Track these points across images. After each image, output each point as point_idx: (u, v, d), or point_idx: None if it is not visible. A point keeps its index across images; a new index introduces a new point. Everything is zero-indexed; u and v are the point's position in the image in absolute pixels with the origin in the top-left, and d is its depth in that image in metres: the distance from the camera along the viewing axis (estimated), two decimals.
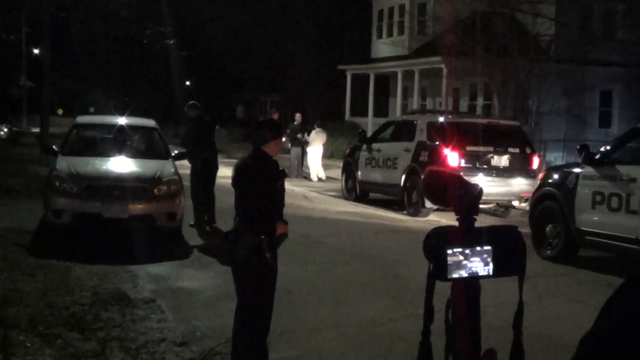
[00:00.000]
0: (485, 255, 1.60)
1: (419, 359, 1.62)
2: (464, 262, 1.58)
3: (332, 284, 10.88)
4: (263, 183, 6.43)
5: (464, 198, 1.70)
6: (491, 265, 1.60)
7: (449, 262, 1.57)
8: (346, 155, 23.27)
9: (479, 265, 1.59)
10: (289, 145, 27.30)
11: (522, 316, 1.65)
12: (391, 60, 38.77)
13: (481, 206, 18.71)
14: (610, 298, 1.22)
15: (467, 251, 1.58)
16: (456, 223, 1.71)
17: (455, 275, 1.58)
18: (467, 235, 1.62)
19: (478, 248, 1.59)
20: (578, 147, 13.25)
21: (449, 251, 1.57)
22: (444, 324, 1.68)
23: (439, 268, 1.57)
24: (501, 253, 1.61)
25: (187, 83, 59.84)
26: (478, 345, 1.58)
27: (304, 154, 27.60)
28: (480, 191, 1.77)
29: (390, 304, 9.67)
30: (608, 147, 12.86)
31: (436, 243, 1.57)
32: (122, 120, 15.91)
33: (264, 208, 6.36)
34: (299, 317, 8.87)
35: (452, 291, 1.62)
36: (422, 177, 1.61)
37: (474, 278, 1.60)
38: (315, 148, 27.41)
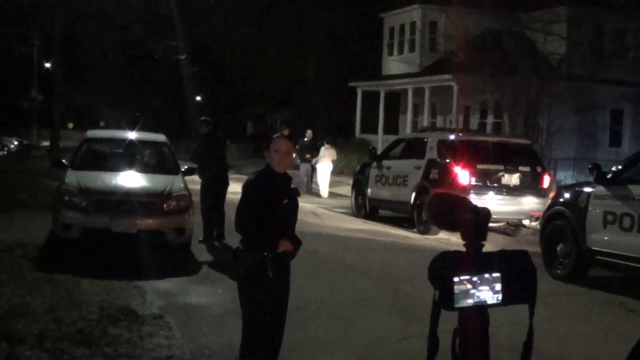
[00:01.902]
0: (494, 283, 1.52)
1: None
2: (472, 291, 1.49)
3: (341, 301, 10.82)
4: (266, 199, 6.37)
5: (472, 222, 1.61)
6: (500, 293, 1.52)
7: (455, 291, 1.49)
8: (356, 172, 23.23)
9: (487, 293, 1.51)
10: (299, 161, 27.30)
11: (531, 345, 1.58)
12: (402, 78, 38.80)
13: (491, 225, 18.64)
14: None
15: (475, 279, 1.50)
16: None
17: (462, 305, 1.50)
18: (475, 262, 1.53)
19: (486, 275, 1.51)
20: (589, 166, 13.17)
21: (456, 279, 1.49)
22: (450, 352, 1.60)
23: (445, 296, 1.49)
24: (511, 280, 1.53)
25: (198, 98, 59.97)
26: None
27: (313, 170, 27.59)
28: (489, 215, 1.69)
29: (400, 323, 9.60)
30: (620, 167, 12.78)
31: (442, 270, 1.50)
32: (132, 135, 15.91)
33: (267, 225, 6.30)
34: (307, 334, 8.81)
35: (459, 320, 1.53)
36: (427, 199, 1.50)
37: (482, 307, 1.51)
38: (325, 164, 27.38)
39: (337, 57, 47.78)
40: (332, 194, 27.52)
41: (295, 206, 6.65)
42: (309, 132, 28.26)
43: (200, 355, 7.93)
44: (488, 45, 29.74)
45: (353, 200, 22.58)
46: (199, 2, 46.44)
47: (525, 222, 18.50)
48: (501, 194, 17.88)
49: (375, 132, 40.77)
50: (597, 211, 12.53)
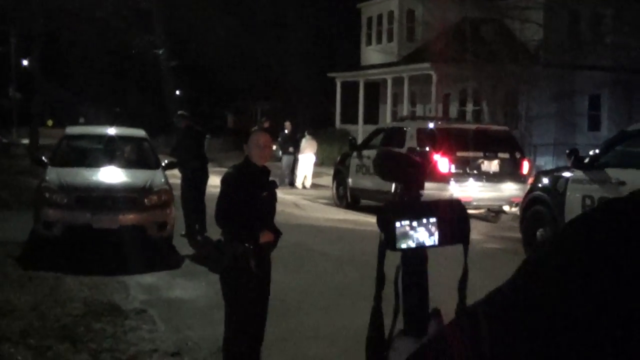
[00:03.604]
0: (431, 226, 1.74)
1: (371, 322, 1.77)
2: (411, 233, 1.72)
3: (324, 291, 10.88)
4: (245, 192, 6.43)
5: (411, 174, 1.85)
6: (436, 235, 1.75)
7: (397, 234, 1.72)
8: (337, 163, 23.29)
9: (425, 235, 1.73)
10: (280, 153, 27.34)
11: (466, 280, 1.79)
12: (381, 67, 38.84)
13: (472, 211, 18.79)
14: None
15: (414, 223, 1.72)
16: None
17: (403, 246, 1.72)
18: (415, 209, 1.76)
19: (424, 220, 1.73)
20: (567, 151, 13.29)
21: (398, 224, 1.71)
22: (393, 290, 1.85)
23: (389, 239, 1.72)
24: (446, 224, 1.75)
25: (178, 93, 59.83)
26: (425, 306, 1.74)
27: (295, 162, 27.62)
28: (424, 167, 1.92)
29: (384, 311, 9.65)
30: (597, 151, 12.90)
31: (387, 216, 1.72)
32: (111, 131, 15.90)
33: (247, 217, 6.36)
34: (291, 325, 8.87)
35: (401, 259, 1.77)
36: (374, 157, 1.74)
37: (420, 247, 1.75)
38: (307, 156, 27.42)
39: (317, 49, 47.78)
40: (313, 185, 27.57)
41: (273, 198, 6.72)
42: (288, 124, 28.27)
43: (184, 348, 7.98)
44: (466, 33, 29.83)
45: (334, 190, 22.64)
46: None
47: (506, 208, 18.64)
48: (481, 181, 18.00)
49: (355, 122, 40.81)
50: (576, 195, 12.64)
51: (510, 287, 1.17)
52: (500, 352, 1.14)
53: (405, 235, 1.70)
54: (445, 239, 1.75)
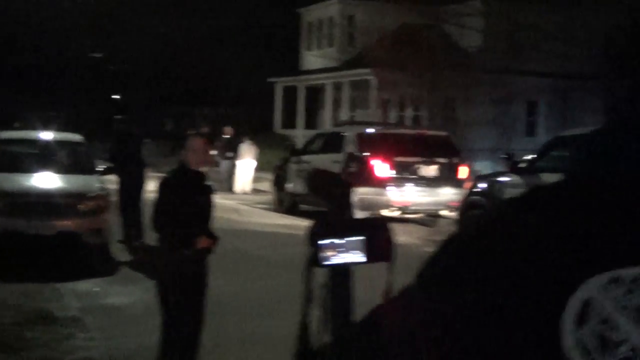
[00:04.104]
0: (358, 244, 1.76)
1: (298, 337, 1.82)
2: (337, 251, 1.74)
3: (263, 296, 10.83)
4: (182, 197, 6.38)
5: (340, 194, 1.89)
6: (363, 253, 1.77)
7: (323, 251, 1.74)
8: (277, 168, 23.24)
9: (351, 253, 1.76)
10: (219, 159, 27.21)
11: (389, 296, 1.81)
12: (321, 72, 38.90)
13: (410, 216, 18.90)
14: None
15: (342, 241, 1.74)
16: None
17: (330, 262, 1.74)
18: (343, 226, 1.79)
19: (352, 238, 1.75)
20: (503, 156, 13.44)
21: (327, 241, 1.73)
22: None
23: (316, 256, 1.74)
24: (372, 242, 1.78)
25: (117, 97, 59.25)
26: (350, 320, 1.77)
27: (234, 167, 27.50)
28: (349, 187, 1.97)
29: (321, 316, 9.63)
30: (533, 156, 13.07)
31: (315, 232, 1.74)
32: (47, 135, 15.64)
33: (184, 222, 6.30)
34: (229, 330, 8.80)
35: (328, 277, 1.80)
36: (308, 176, 1.78)
37: (346, 264, 1.78)
38: (246, 161, 27.33)
39: (257, 53, 47.70)
40: (253, 190, 27.49)
41: (210, 203, 6.68)
42: (228, 129, 28.15)
43: (119, 356, 7.87)
44: (406, 39, 30.02)
45: (274, 195, 22.58)
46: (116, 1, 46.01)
47: (444, 212, 18.75)
48: (419, 186, 18.11)
49: (295, 127, 40.83)
50: None
51: (438, 264, 1.26)
52: (432, 322, 1.24)
53: (331, 253, 1.72)
54: (371, 256, 1.76)
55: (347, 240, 1.73)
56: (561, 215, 1.19)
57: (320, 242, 1.71)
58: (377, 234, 1.78)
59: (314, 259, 1.73)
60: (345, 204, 1.75)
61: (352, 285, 1.59)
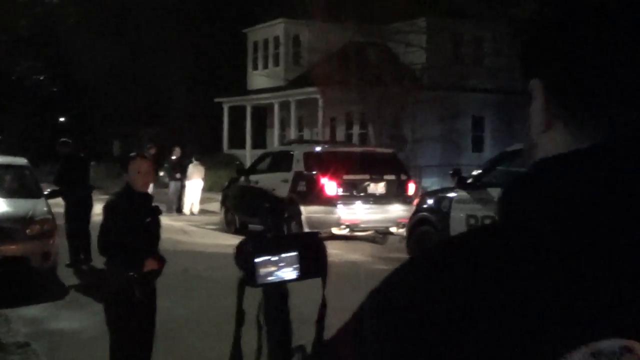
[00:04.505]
0: (292, 261, 1.75)
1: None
2: (272, 269, 1.73)
3: (214, 318, 10.77)
4: (128, 219, 6.35)
5: (269, 210, 1.87)
6: (297, 269, 1.76)
7: (258, 270, 1.72)
8: (225, 188, 23.19)
9: (286, 270, 1.75)
10: (167, 180, 27.08)
11: (325, 311, 1.80)
12: (267, 92, 38.94)
13: (359, 233, 18.97)
14: None
15: (275, 258, 1.73)
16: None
17: (265, 281, 1.73)
18: (275, 243, 1.77)
19: (284, 255, 1.74)
20: (450, 171, 13.57)
21: (259, 259, 1.71)
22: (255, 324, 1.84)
23: (250, 275, 1.72)
24: (305, 258, 1.77)
25: (62, 119, 58.67)
26: (288, 342, 1.75)
27: (182, 187, 27.36)
28: (280, 202, 1.95)
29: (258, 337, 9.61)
30: (480, 171, 13.21)
31: (247, 252, 1.72)
32: None
33: (131, 244, 6.27)
34: (179, 353, 8.75)
35: (263, 295, 1.78)
36: (230, 192, 1.77)
37: (281, 282, 1.76)
38: (194, 182, 27.22)
39: (203, 74, 47.60)
40: (202, 211, 27.37)
41: (157, 224, 6.65)
42: (177, 150, 28.01)
43: None
44: (351, 57, 30.20)
45: (223, 216, 22.52)
46: (59, 21, 45.67)
47: (393, 229, 18.85)
48: (368, 203, 18.20)
49: (243, 147, 40.78)
50: (460, 215, 12.90)
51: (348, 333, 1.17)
52: None
53: (266, 271, 1.70)
54: (305, 272, 1.75)
55: (282, 257, 1.72)
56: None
57: (256, 260, 1.70)
58: (309, 249, 1.77)
59: (247, 279, 1.72)
60: (277, 221, 1.74)
61: (289, 304, 1.57)
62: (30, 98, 51.40)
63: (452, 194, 13.30)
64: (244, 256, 1.71)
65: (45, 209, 13.49)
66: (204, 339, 9.63)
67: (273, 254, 1.70)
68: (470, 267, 1.05)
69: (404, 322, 1.05)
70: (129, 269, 6.24)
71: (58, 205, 15.20)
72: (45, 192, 14.34)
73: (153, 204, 6.72)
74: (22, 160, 15.74)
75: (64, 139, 16.06)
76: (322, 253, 1.80)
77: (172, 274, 6.78)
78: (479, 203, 12.54)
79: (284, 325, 1.82)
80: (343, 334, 1.19)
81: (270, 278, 1.72)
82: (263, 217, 1.82)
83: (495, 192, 12.28)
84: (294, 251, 1.73)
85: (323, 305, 1.81)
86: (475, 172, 13.40)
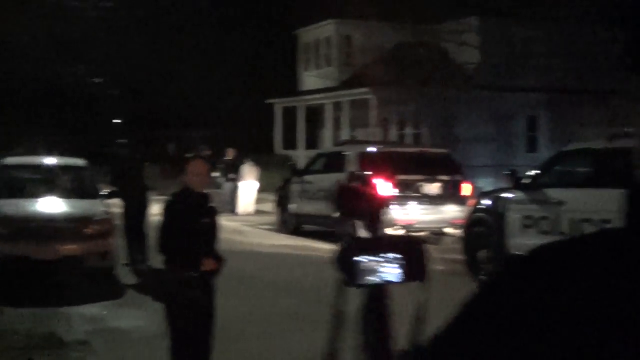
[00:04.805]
0: (395, 263, 1.73)
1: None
2: (376, 269, 1.71)
3: (268, 318, 10.84)
4: (186, 220, 6.41)
5: (371, 211, 1.85)
6: (400, 272, 1.74)
7: (361, 270, 1.71)
8: (279, 189, 23.25)
9: (389, 272, 1.73)
10: (222, 181, 27.26)
11: (425, 318, 1.78)
12: (320, 93, 38.95)
13: (414, 234, 18.86)
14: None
15: (378, 259, 1.71)
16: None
17: (368, 283, 1.72)
18: (379, 245, 1.75)
19: (389, 256, 1.72)
20: (506, 172, 13.46)
21: (363, 260, 1.70)
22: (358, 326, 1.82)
23: (352, 276, 1.70)
24: (409, 261, 1.75)
25: (118, 121, 59.33)
26: (390, 344, 1.73)
27: (236, 189, 27.53)
28: (382, 204, 1.92)
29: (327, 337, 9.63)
30: (536, 172, 13.08)
31: (350, 253, 1.71)
32: (51, 161, 15.69)
33: (190, 244, 6.33)
34: (235, 353, 8.80)
35: (366, 297, 1.76)
36: (335, 192, 1.72)
37: (384, 284, 1.74)
38: (249, 183, 27.37)
39: (255, 75, 47.82)
40: (257, 212, 27.51)
41: (215, 225, 6.70)
42: (230, 151, 28.19)
43: None
44: (403, 58, 30.11)
45: (278, 216, 22.60)
46: (111, 27, 46.20)
47: (448, 230, 18.74)
48: (423, 204, 18.11)
49: (296, 148, 40.87)
50: (516, 216, 12.79)
51: (451, 330, 1.16)
52: None
53: (370, 272, 1.68)
54: (408, 276, 1.73)
55: (384, 258, 1.69)
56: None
57: (355, 259, 1.68)
58: (413, 252, 1.75)
59: (350, 279, 1.69)
60: (376, 221, 1.73)
61: (390, 307, 1.53)
62: (87, 101, 52.06)
63: (508, 195, 13.19)
64: (346, 256, 1.70)
65: (103, 209, 13.68)
66: (257, 338, 9.69)
67: (376, 255, 1.69)
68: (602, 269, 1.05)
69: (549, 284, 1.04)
70: (188, 269, 6.30)
71: (115, 205, 15.40)
72: (105, 193, 14.53)
73: (211, 204, 6.78)
74: (80, 162, 15.96)
75: (122, 141, 16.29)
76: (425, 257, 1.78)
77: (227, 273, 6.82)
78: (536, 204, 12.43)
79: (387, 327, 1.81)
80: (458, 325, 1.19)
81: (373, 279, 1.70)
82: (365, 220, 1.81)
83: (552, 193, 12.17)
84: (397, 253, 1.72)
85: (423, 310, 1.79)
86: (530, 173, 13.28)
